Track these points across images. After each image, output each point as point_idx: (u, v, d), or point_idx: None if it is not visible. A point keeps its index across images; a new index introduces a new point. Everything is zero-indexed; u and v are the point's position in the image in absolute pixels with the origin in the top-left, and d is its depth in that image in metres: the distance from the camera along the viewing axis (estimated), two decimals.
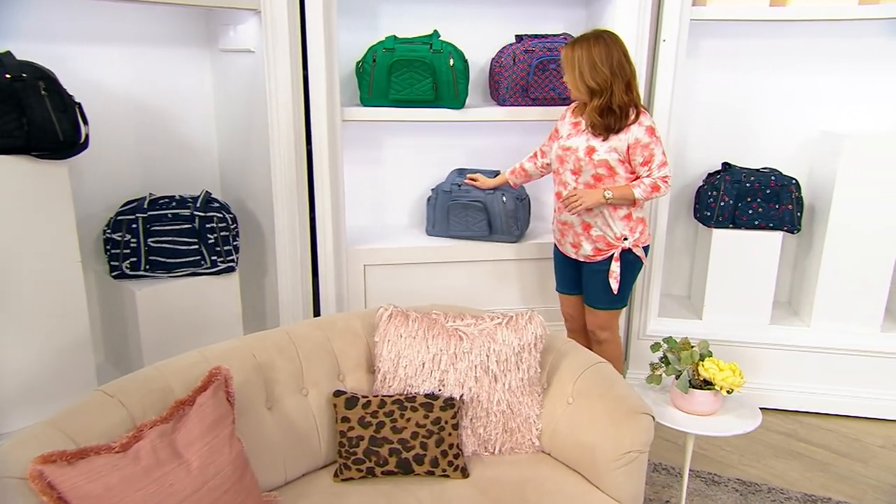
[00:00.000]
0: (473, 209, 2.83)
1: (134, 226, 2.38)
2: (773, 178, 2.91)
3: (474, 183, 2.82)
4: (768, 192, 2.90)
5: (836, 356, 2.91)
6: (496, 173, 2.94)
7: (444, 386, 1.94)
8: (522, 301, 2.99)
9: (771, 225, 2.93)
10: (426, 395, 1.91)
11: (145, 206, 2.42)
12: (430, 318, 2.02)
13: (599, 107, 2.28)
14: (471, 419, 1.96)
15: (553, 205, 2.54)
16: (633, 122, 2.29)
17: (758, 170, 3.01)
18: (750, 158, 3.12)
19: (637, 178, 2.35)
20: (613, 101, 2.26)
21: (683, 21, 2.71)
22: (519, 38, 2.85)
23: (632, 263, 2.43)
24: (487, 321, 2.01)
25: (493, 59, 2.90)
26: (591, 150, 2.33)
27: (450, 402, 1.90)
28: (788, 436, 2.78)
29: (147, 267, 2.41)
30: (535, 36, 2.83)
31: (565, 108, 2.53)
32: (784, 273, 3.14)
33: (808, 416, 2.93)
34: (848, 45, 2.96)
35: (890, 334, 2.93)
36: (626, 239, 2.39)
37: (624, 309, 2.57)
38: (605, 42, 2.26)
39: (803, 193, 2.96)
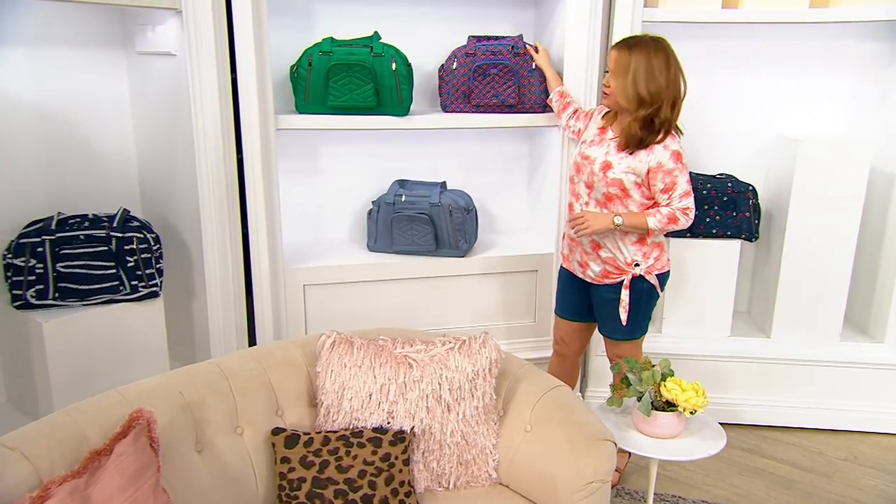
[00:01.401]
0: (419, 222, 2.80)
1: (40, 249, 2.25)
2: (729, 184, 2.99)
3: (534, 52, 2.73)
4: (725, 199, 2.97)
5: (797, 367, 3.01)
6: (443, 184, 2.93)
7: (393, 418, 1.90)
8: (473, 319, 2.98)
9: (729, 233, 3.00)
10: (374, 430, 1.87)
11: (53, 227, 2.29)
12: (376, 344, 1.98)
13: (644, 118, 2.20)
14: (423, 453, 1.92)
15: (565, 216, 2.52)
16: (659, 142, 2.21)
17: (713, 176, 3.09)
18: (705, 163, 3.20)
19: (654, 204, 2.28)
20: (659, 115, 2.19)
21: (635, 23, 2.76)
22: (476, 39, 2.83)
23: (646, 292, 2.35)
24: (438, 346, 1.98)
25: (444, 62, 2.88)
26: (606, 166, 2.26)
27: (400, 436, 1.87)
28: (752, 452, 2.85)
29: (56, 295, 2.29)
30: (489, 37, 2.83)
31: (596, 108, 2.47)
32: (742, 282, 3.23)
33: (770, 430, 3.01)
34: (799, 48, 3.08)
35: (848, 343, 3.05)
36: (637, 265, 2.31)
37: (644, 337, 2.48)
38: (665, 52, 2.19)
39: (760, 200, 3.05)
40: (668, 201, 2.25)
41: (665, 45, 2.22)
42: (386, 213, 2.84)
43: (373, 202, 2.90)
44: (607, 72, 2.29)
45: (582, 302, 2.52)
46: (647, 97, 2.18)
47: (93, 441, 1.55)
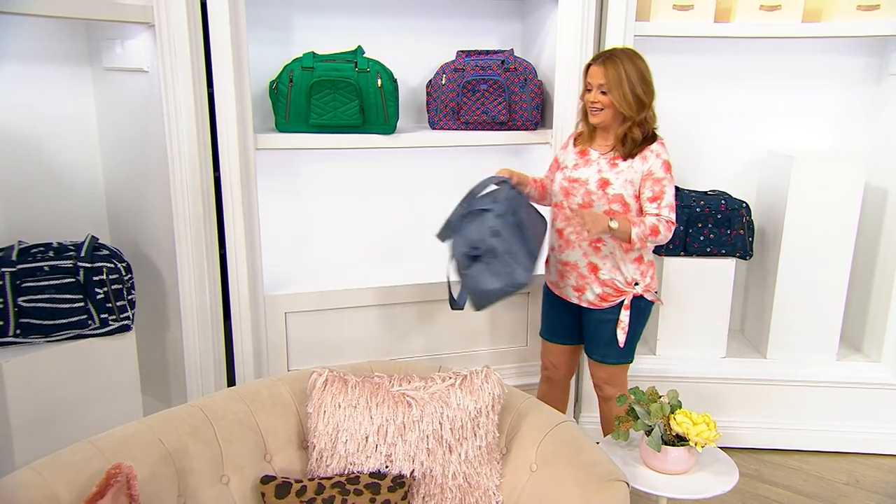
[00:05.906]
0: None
1: None
2: (723, 201, 2.95)
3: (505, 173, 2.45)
4: (719, 216, 2.94)
5: (794, 388, 2.98)
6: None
7: (391, 462, 1.81)
8: (465, 345, 2.89)
9: (723, 251, 2.97)
10: (371, 475, 1.78)
11: (14, 258, 2.14)
12: (372, 382, 1.88)
13: (641, 121, 2.21)
14: (423, 497, 1.84)
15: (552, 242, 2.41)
16: (652, 150, 2.22)
17: (706, 193, 3.06)
18: (697, 179, 3.17)
19: (641, 214, 2.26)
20: (648, 118, 2.23)
21: (627, 37, 2.71)
22: (465, 53, 2.75)
23: (643, 311, 2.33)
24: (438, 382, 1.89)
25: (432, 78, 2.79)
26: (604, 183, 2.24)
27: (399, 481, 1.77)
28: (753, 478, 2.80)
29: (18, 332, 2.13)
30: (479, 52, 2.76)
31: (568, 136, 2.45)
32: (735, 301, 3.19)
33: (769, 453, 2.98)
34: (789, 63, 3.07)
35: (845, 362, 3.03)
36: (636, 284, 2.29)
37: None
38: (641, 56, 2.23)
39: (752, 216, 3.03)
40: (656, 210, 2.22)
41: (636, 50, 2.27)
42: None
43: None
44: (589, 90, 2.25)
45: (574, 324, 2.46)
46: (645, 98, 2.22)
47: (64, 502, 1.43)
